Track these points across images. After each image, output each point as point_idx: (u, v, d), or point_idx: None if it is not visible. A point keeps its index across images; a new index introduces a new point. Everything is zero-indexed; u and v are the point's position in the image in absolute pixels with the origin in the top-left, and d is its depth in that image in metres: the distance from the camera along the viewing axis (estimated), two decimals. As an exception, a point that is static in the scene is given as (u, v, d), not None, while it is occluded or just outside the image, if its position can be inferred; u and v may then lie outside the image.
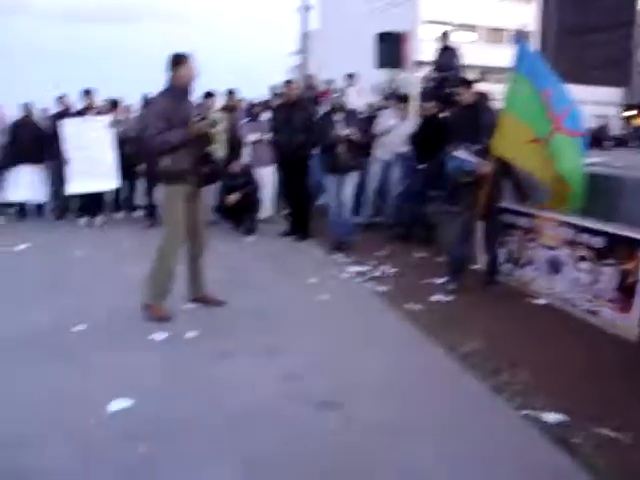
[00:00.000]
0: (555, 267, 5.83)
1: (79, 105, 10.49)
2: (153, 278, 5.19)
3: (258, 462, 3.10)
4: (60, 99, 10.71)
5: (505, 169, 6.11)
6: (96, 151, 9.70)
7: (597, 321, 5.21)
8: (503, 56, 35.06)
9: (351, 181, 7.95)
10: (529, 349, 4.60)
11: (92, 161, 9.63)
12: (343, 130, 7.63)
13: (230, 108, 10.23)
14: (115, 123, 10.04)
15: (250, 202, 9.07)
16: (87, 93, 10.29)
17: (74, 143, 9.71)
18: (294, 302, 5.77)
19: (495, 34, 44.63)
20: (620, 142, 33.18)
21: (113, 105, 10.62)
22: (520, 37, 6.24)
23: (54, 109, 10.97)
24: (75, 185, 9.80)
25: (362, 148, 8.24)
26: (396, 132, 8.91)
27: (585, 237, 5.45)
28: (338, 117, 7.75)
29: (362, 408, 3.64)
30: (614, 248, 5.13)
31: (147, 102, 8.63)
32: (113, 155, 9.78)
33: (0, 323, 5.10)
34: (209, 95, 9.78)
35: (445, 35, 11.04)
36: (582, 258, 5.47)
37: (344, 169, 7.81)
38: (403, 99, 9.59)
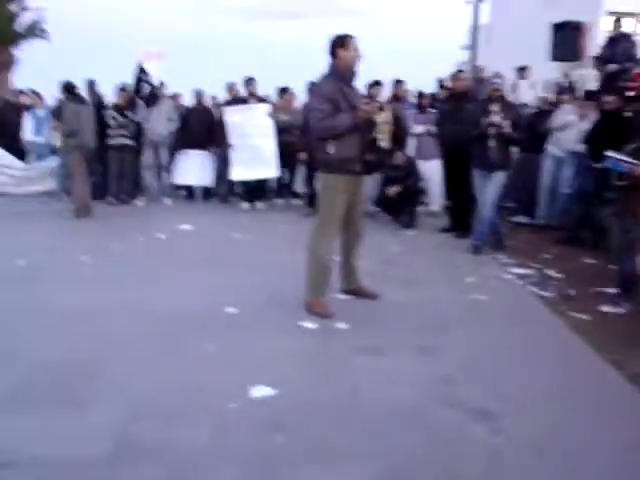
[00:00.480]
0: None
1: (244, 93, 10.71)
2: (309, 273, 5.03)
3: (398, 465, 2.90)
4: (229, 87, 11.00)
5: None
6: (258, 139, 9.90)
7: None
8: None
9: (498, 180, 7.27)
10: None
11: (254, 149, 9.84)
12: (495, 120, 7.05)
13: (397, 98, 10.05)
14: (279, 111, 10.19)
15: (411, 195, 8.84)
16: (249, 81, 10.47)
17: (237, 131, 9.98)
18: (451, 300, 5.48)
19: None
20: None
21: (283, 92, 10.73)
22: None
23: (224, 97, 11.33)
24: (237, 172, 10.09)
25: (514, 144, 7.62)
26: (573, 129, 8.30)
27: None
28: (494, 107, 7.15)
29: (517, 422, 3.32)
30: None
31: (311, 87, 8.55)
32: (274, 144, 9.92)
33: (160, 298, 5.24)
34: (376, 84, 9.61)
35: (618, 22, 10.15)
36: None
37: (492, 165, 7.20)
38: (586, 95, 8.82)
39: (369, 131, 4.98)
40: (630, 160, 5.39)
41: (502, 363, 4.15)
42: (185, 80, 14.24)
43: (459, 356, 4.21)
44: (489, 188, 7.24)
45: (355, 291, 5.40)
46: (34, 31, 24.68)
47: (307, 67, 5.10)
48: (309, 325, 4.66)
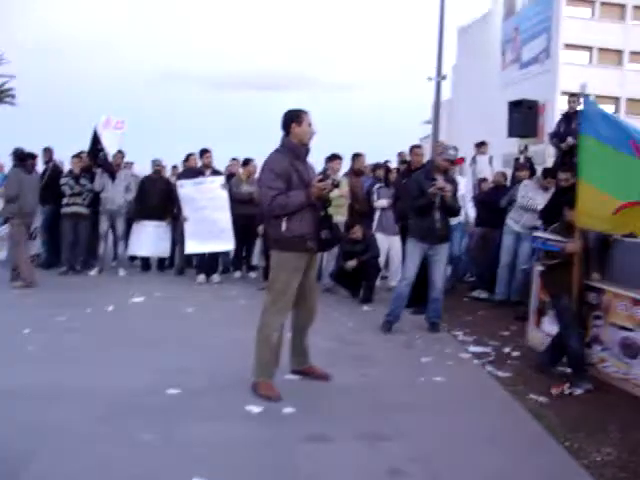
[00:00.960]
0: (627, 349, 5.19)
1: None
2: (257, 353, 4.79)
3: None
4: (187, 158, 10.93)
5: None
6: (212, 212, 9.81)
7: None
8: (647, 128, 33.13)
9: (445, 253, 7.15)
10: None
11: (208, 222, 9.74)
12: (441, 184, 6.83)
13: (355, 172, 10.01)
14: (241, 182, 10.15)
15: (368, 269, 8.72)
16: (204, 152, 10.34)
17: (191, 204, 9.89)
18: (406, 382, 5.26)
19: (638, 106, 42.87)
20: None
21: (245, 163, 10.67)
22: (587, 97, 5.57)
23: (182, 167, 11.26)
24: (192, 245, 9.97)
25: (454, 214, 7.47)
26: (532, 204, 8.32)
27: None
28: (439, 177, 6.93)
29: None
30: None
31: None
32: (229, 216, 9.81)
33: (99, 377, 4.98)
34: (335, 157, 9.51)
35: (573, 97, 10.35)
36: None
37: (439, 237, 6.98)
38: (547, 171, 8.85)
39: (323, 207, 4.87)
40: (558, 238, 5.44)
41: (455, 453, 3.92)
42: (147, 149, 14.23)
43: (409, 445, 3.97)
44: (439, 263, 7.07)
45: (305, 371, 5.16)
46: (2, 97, 24.60)
47: (275, 139, 4.98)
48: (254, 409, 4.40)
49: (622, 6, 42.37)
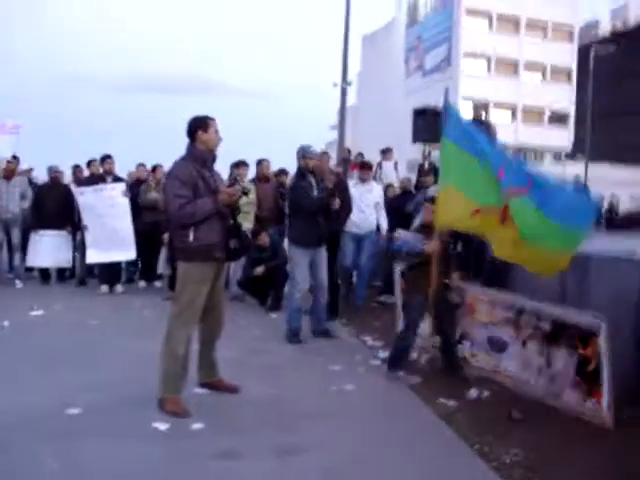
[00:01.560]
0: (497, 345, 5.47)
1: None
2: (163, 367, 4.60)
3: None
4: (89, 164, 10.54)
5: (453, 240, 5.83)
6: (113, 220, 9.50)
7: (561, 404, 4.86)
8: (541, 136, 35.12)
9: (325, 256, 7.10)
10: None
11: (109, 230, 9.43)
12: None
13: (261, 178, 9.89)
14: (149, 188, 9.89)
15: (276, 277, 8.63)
16: (106, 159, 10.01)
17: (91, 211, 9.55)
18: (316, 392, 5.20)
19: (533, 114, 44.70)
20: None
21: (153, 169, 10.39)
22: (448, 104, 5.77)
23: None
24: (92, 254, 9.65)
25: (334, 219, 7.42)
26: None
27: (530, 318, 5.18)
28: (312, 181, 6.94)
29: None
30: (566, 331, 4.86)
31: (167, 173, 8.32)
32: (129, 224, 9.54)
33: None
34: (242, 164, 9.39)
35: (477, 108, 10.66)
36: (530, 339, 5.17)
37: (323, 240, 6.99)
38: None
39: (232, 215, 4.76)
40: (414, 239, 5.62)
41: (368, 461, 3.90)
42: (46, 155, 13.66)
43: (322, 456, 3.92)
44: (323, 266, 7.02)
45: (214, 384, 5.02)
46: None
47: (179, 145, 4.81)
48: (161, 426, 4.23)
49: (516, 19, 44.13)
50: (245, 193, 4.90)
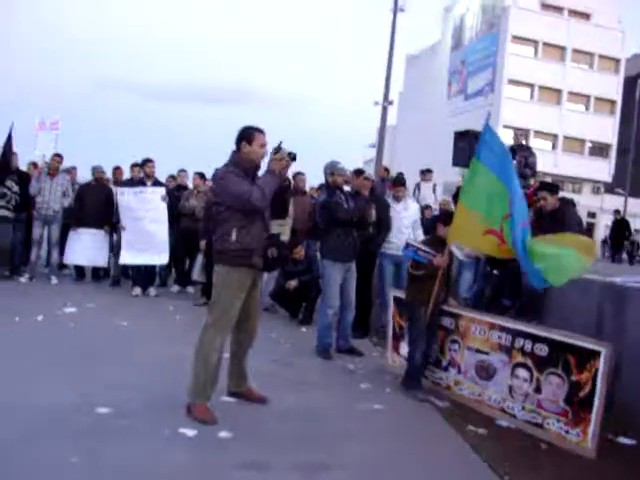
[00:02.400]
0: (483, 372, 5.43)
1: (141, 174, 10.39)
2: (194, 374, 4.59)
3: None
4: (132, 167, 10.68)
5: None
6: (150, 224, 9.61)
7: (542, 434, 4.85)
8: (580, 167, 34.70)
9: (355, 271, 7.04)
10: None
11: (146, 233, 9.54)
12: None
13: (297, 191, 9.91)
14: (191, 195, 10.00)
15: (309, 291, 8.62)
16: (146, 162, 10.19)
17: (129, 213, 9.66)
18: (344, 409, 5.15)
19: (574, 144, 44.23)
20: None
21: (200, 176, 10.49)
22: (488, 126, 5.73)
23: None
24: (126, 256, 9.76)
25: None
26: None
27: (525, 343, 5.14)
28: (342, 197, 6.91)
29: None
30: (563, 356, 4.82)
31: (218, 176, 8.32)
32: (166, 229, 9.63)
33: (22, 391, 4.70)
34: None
35: (517, 135, 10.55)
36: (521, 365, 5.13)
37: (354, 255, 6.95)
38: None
39: (282, 187, 4.74)
40: (428, 250, 5.57)
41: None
42: (86, 156, 13.86)
43: (348, 476, 3.87)
44: (352, 283, 6.99)
45: (243, 394, 5.00)
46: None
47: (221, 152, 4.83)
48: (188, 432, 4.21)
49: (562, 48, 43.80)
50: (293, 158, 4.72)
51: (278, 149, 4.64)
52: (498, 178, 5.40)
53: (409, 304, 5.91)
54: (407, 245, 5.86)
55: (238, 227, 4.57)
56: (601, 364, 4.54)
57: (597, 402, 4.54)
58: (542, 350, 4.99)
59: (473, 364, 5.59)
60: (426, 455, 4.37)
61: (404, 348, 6.31)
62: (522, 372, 5.13)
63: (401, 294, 6.43)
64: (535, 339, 5.07)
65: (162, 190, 9.88)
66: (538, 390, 4.98)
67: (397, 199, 8.56)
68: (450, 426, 4.98)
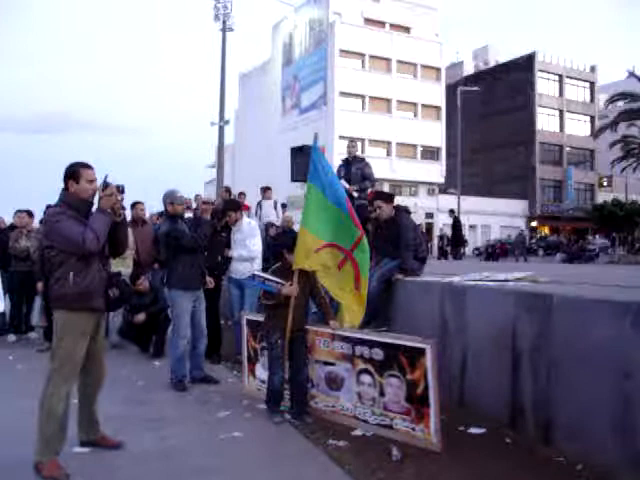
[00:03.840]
0: (333, 382, 5.61)
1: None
2: (39, 428, 4.30)
3: None
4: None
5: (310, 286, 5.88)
6: None
7: (393, 434, 5.03)
8: (416, 170, 36.66)
9: (203, 302, 7.05)
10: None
11: None
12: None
13: (137, 221, 9.64)
14: (18, 236, 9.43)
15: (158, 322, 8.40)
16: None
17: None
18: (204, 442, 5.03)
19: (407, 149, 46.32)
20: (529, 251, 34.84)
21: (27, 214, 9.88)
22: (314, 146, 6.07)
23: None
24: None
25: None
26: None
27: (363, 349, 5.33)
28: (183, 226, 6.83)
29: None
30: (396, 357, 5.05)
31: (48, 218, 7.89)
32: None
33: None
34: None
35: (353, 142, 10.55)
36: (364, 371, 5.31)
37: (201, 282, 7.00)
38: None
39: (116, 215, 4.53)
40: (275, 279, 5.63)
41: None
42: None
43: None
44: (202, 311, 6.98)
45: (96, 442, 4.76)
46: None
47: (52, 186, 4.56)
48: (39, 494, 3.96)
49: (388, 59, 45.85)
50: (122, 190, 4.52)
51: (106, 185, 4.44)
52: (331, 202, 5.77)
53: (266, 331, 5.89)
54: (253, 276, 5.84)
55: (75, 270, 4.35)
56: (428, 360, 4.79)
57: (432, 397, 4.78)
58: (378, 354, 5.20)
59: (323, 376, 5.69)
60: (287, 474, 4.37)
61: (260, 370, 6.31)
62: (366, 378, 5.31)
63: (254, 317, 6.43)
64: (371, 345, 5.28)
65: None
66: (382, 393, 5.17)
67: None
68: (312, 443, 5.01)
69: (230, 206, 8.12)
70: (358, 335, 5.46)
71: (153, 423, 5.46)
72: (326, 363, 5.66)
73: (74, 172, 4.43)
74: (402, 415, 5.01)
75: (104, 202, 4.42)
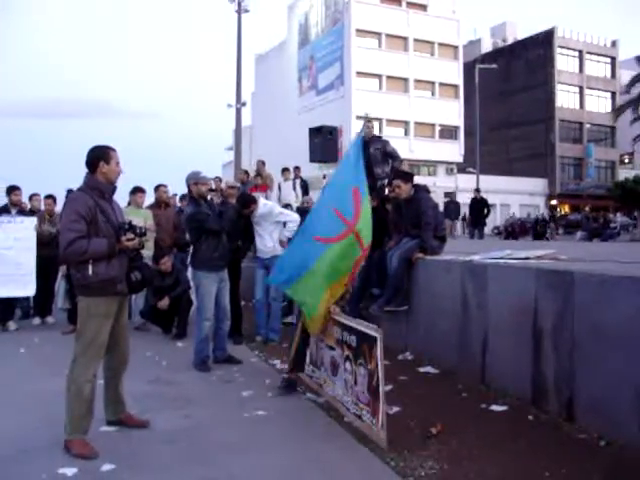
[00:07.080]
0: (334, 368, 5.50)
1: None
2: (68, 408, 4.38)
3: None
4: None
5: None
6: (17, 254, 9.06)
7: (362, 425, 4.80)
8: (434, 149, 36.30)
9: (228, 283, 7.09)
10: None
11: (12, 264, 8.98)
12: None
13: (159, 203, 9.73)
14: (43, 220, 9.53)
15: (180, 304, 8.48)
16: (12, 189, 9.68)
17: None
18: (230, 420, 5.09)
19: (425, 128, 46.08)
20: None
21: (48, 199, 10.02)
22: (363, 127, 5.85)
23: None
24: None
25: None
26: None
27: (346, 335, 5.18)
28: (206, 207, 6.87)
29: None
30: (361, 346, 4.85)
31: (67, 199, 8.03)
32: (33, 260, 9.14)
33: None
34: (138, 190, 9.27)
35: (366, 126, 10.31)
36: (347, 358, 5.15)
37: (226, 263, 7.03)
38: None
39: (136, 251, 4.65)
40: None
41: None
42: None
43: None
44: (226, 292, 7.01)
45: (122, 421, 4.84)
46: None
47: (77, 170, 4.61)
48: (68, 471, 4.01)
49: (404, 38, 45.51)
50: (142, 234, 4.67)
51: (129, 229, 4.53)
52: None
53: None
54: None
55: (93, 259, 4.37)
56: (378, 350, 4.56)
57: (380, 389, 4.56)
58: (353, 341, 5.02)
59: (329, 361, 5.58)
60: (314, 454, 4.40)
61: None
62: (348, 365, 5.14)
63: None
64: (350, 330, 5.10)
65: (32, 220, 9.41)
66: (356, 382, 4.97)
67: None
68: (334, 420, 5.06)
69: (246, 203, 7.95)
70: (343, 320, 5.29)
71: (178, 402, 5.54)
72: (330, 347, 5.55)
73: (105, 153, 4.50)
74: (366, 407, 4.76)
75: (123, 244, 4.47)
